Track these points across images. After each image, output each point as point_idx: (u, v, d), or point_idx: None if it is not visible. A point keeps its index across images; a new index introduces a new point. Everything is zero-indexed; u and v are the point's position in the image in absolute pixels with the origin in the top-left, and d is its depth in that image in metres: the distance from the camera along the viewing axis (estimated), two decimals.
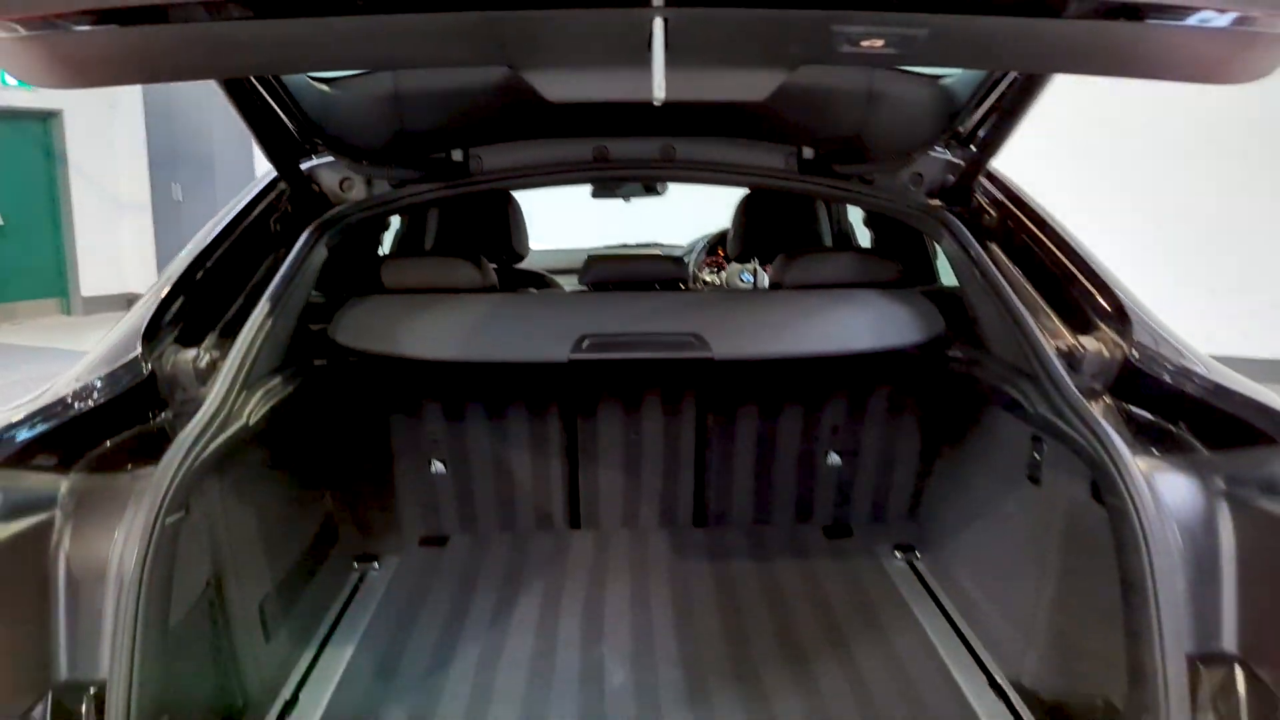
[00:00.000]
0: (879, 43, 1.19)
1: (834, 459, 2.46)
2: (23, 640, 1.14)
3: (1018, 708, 1.65)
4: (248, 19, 1.10)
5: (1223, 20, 1.10)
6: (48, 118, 11.00)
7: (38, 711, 1.14)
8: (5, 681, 1.11)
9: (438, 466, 2.43)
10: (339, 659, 1.86)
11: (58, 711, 1.14)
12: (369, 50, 1.34)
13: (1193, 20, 1.10)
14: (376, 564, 2.29)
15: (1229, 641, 1.21)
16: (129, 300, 11.66)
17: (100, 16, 1.07)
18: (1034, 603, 1.68)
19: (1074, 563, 1.59)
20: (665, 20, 1.11)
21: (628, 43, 1.17)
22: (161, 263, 11.12)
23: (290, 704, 1.69)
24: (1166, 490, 1.27)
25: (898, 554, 2.32)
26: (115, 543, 1.21)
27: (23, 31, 1.09)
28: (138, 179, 11.33)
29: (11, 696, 1.11)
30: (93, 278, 11.48)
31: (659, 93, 1.18)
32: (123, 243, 11.72)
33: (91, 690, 1.16)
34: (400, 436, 2.44)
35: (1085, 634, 1.53)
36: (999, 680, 1.74)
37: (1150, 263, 8.06)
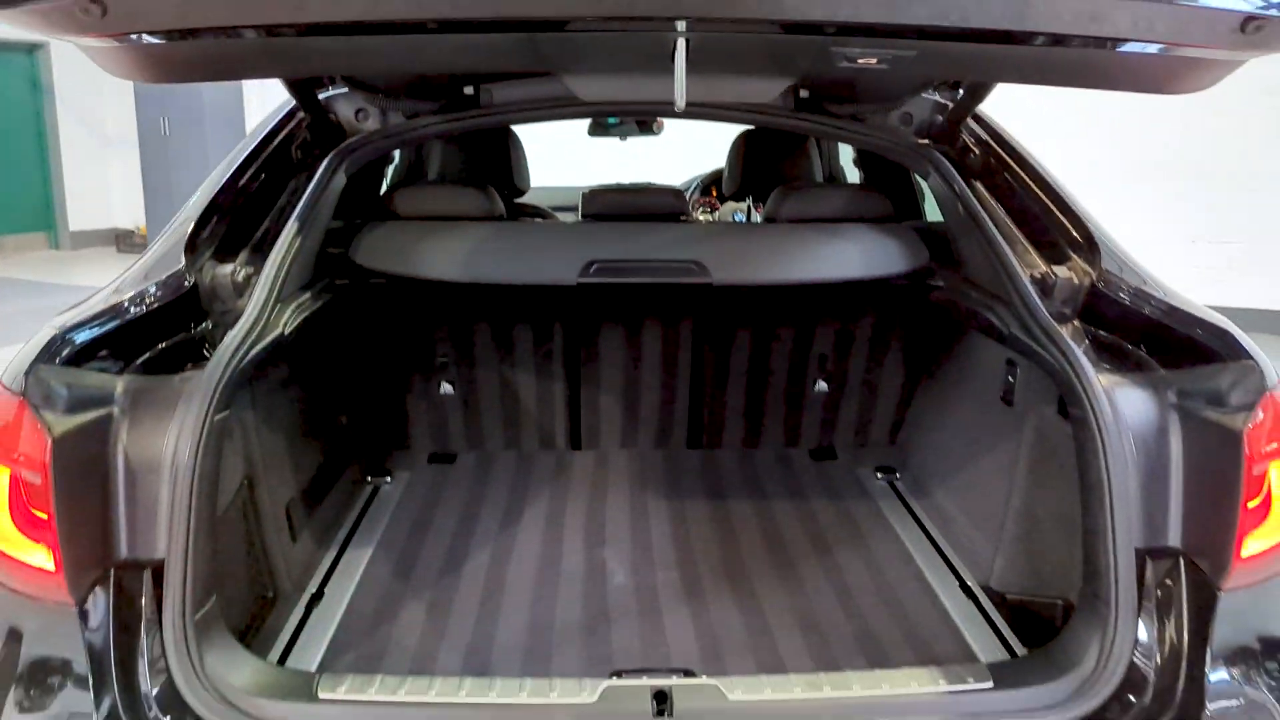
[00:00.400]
0: (873, 60, 1.34)
1: (821, 386, 2.59)
2: (87, 523, 1.26)
3: (984, 605, 1.79)
4: (329, 35, 1.21)
5: (1167, 49, 1.26)
6: (34, 49, 10.86)
7: (101, 588, 1.26)
8: (73, 560, 1.22)
9: (446, 388, 2.55)
10: (359, 560, 1.98)
11: (119, 587, 1.26)
12: (432, 60, 1.46)
13: (1141, 48, 1.25)
14: (389, 479, 2.41)
15: (1173, 537, 1.34)
16: (116, 235, 11.65)
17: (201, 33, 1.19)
18: (1002, 513, 1.82)
19: (1039, 475, 1.72)
20: (687, 41, 1.24)
21: (654, 58, 1.30)
22: (149, 198, 11.09)
23: (316, 597, 1.83)
24: (1124, 403, 1.40)
25: (879, 475, 2.46)
26: (169, 437, 1.32)
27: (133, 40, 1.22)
28: (125, 113, 11.23)
29: (78, 574, 1.23)
30: (80, 212, 11.42)
31: (680, 103, 1.32)
32: (110, 177, 11.66)
33: (149, 569, 1.28)
34: (411, 358, 2.55)
35: (1046, 538, 1.67)
36: (969, 583, 1.88)
37: (1132, 212, 8.17)
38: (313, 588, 1.85)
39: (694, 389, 2.59)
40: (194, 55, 1.37)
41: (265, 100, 11.10)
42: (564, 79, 1.57)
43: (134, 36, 1.25)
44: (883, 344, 2.56)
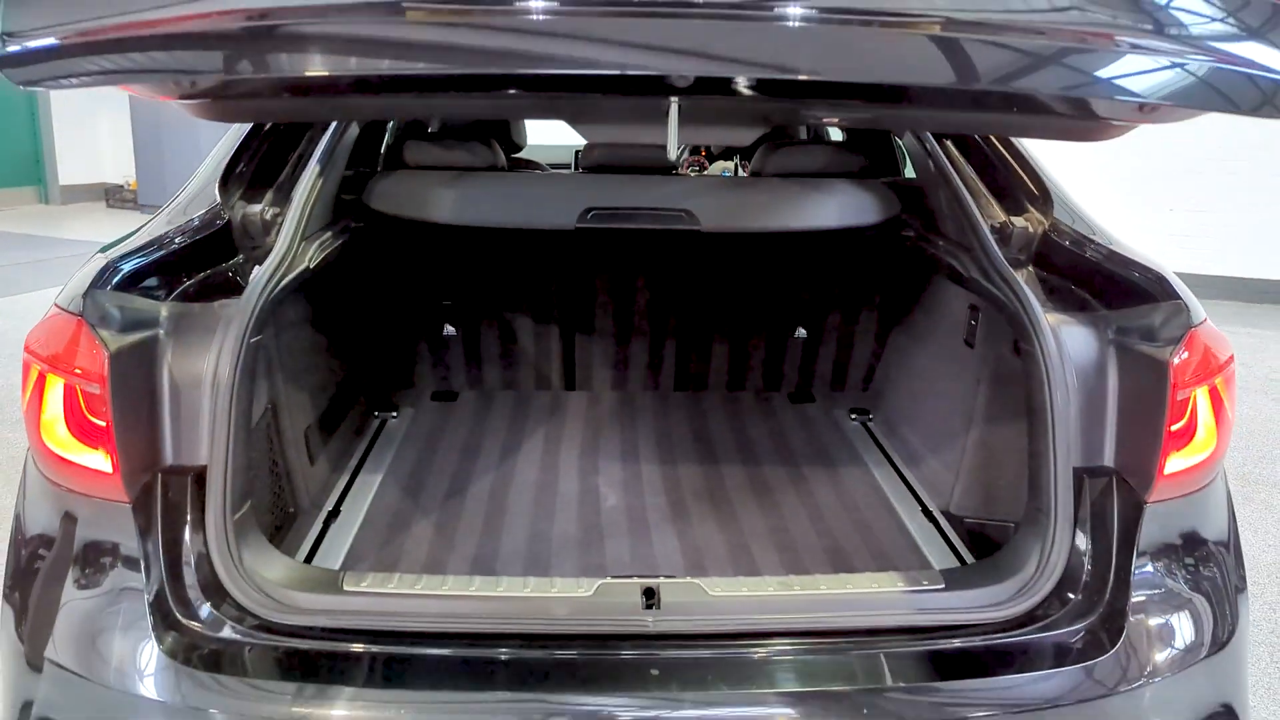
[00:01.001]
0: (835, 120, 1.53)
1: (801, 332, 2.74)
2: (138, 432, 1.40)
3: (943, 527, 1.96)
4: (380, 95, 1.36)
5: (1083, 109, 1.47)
6: None
7: (150, 489, 1.40)
8: (128, 464, 1.36)
9: (450, 329, 2.69)
10: (370, 483, 2.13)
11: (166, 489, 1.41)
12: (464, 109, 1.61)
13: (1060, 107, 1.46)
14: (395, 413, 2.55)
15: (1108, 457, 1.50)
16: (106, 190, 11.67)
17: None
18: (962, 446, 1.98)
19: (994, 410, 1.88)
20: (679, 104, 1.42)
21: (651, 115, 1.47)
22: (139, 153, 11.10)
23: (333, 514, 1.97)
24: (1068, 339, 1.55)
25: (853, 416, 2.62)
26: (210, 357, 1.45)
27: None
28: None
29: (132, 476, 1.37)
30: (70, 167, 11.42)
31: (672, 154, 1.51)
32: (100, 132, 11.65)
33: (192, 474, 1.42)
34: (418, 301, 2.68)
35: (999, 467, 1.83)
36: (930, 508, 2.05)
37: (1113, 180, 8.34)
38: (329, 506, 2.00)
39: (681, 334, 2.74)
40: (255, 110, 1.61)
41: None
42: (576, 126, 1.78)
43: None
44: (858, 294, 2.70)
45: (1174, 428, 1.41)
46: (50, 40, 1.13)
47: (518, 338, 2.72)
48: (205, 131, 10.23)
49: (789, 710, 1.28)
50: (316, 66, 1.15)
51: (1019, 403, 1.67)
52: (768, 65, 1.15)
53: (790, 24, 1.05)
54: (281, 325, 1.89)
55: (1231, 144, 7.92)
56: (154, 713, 1.27)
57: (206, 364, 1.44)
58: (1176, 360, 1.41)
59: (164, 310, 1.49)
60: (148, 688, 1.27)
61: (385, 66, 1.18)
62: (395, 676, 1.29)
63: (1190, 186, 8.06)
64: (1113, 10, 1.18)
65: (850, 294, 2.70)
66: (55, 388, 1.36)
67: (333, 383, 2.25)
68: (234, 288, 1.61)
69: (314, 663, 1.30)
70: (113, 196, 11.56)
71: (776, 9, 1.05)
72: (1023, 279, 1.70)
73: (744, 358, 2.78)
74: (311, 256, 1.88)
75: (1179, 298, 1.56)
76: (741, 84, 1.31)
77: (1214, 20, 1.19)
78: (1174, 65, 1.20)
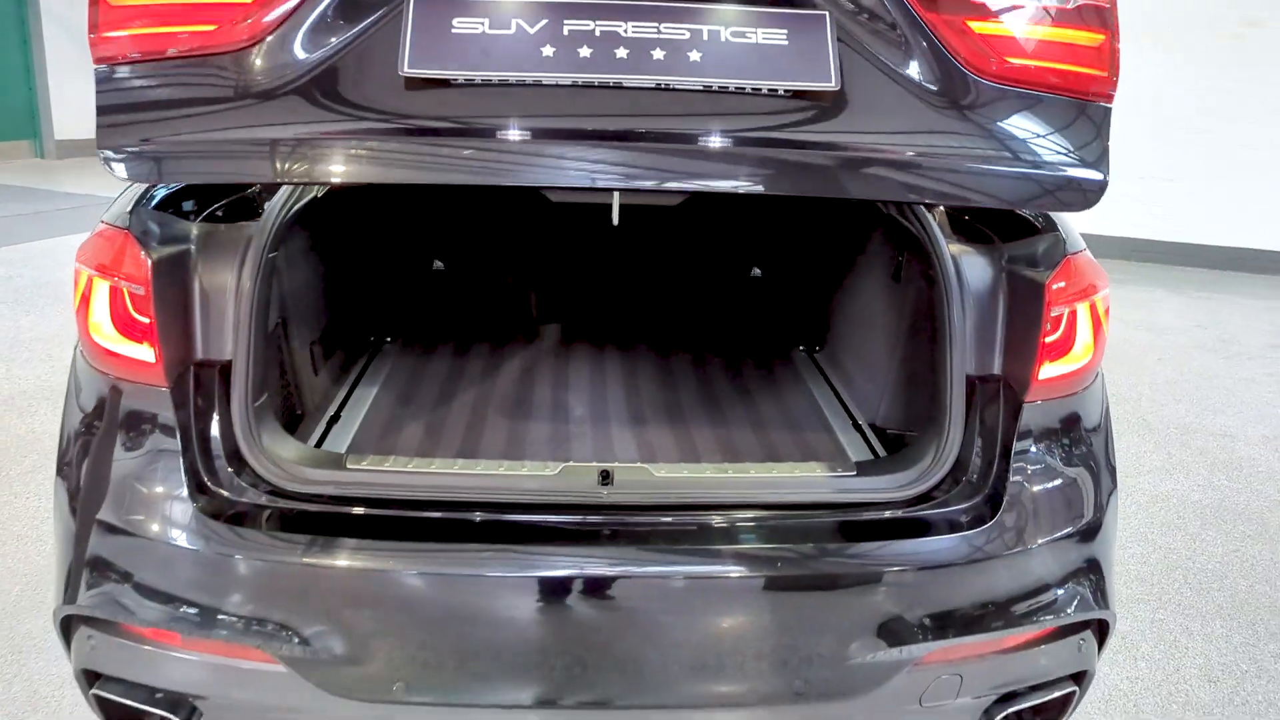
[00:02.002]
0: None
1: (756, 272, 2.98)
2: (175, 329, 1.63)
3: (869, 436, 2.22)
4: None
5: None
6: None
7: (185, 378, 1.64)
8: (168, 355, 1.60)
9: (438, 264, 2.93)
10: (368, 394, 2.38)
11: (197, 379, 1.65)
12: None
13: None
14: (389, 338, 2.80)
15: (996, 367, 1.75)
16: None
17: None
18: (887, 367, 2.24)
19: (913, 334, 2.12)
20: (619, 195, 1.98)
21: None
22: None
23: (334, 418, 2.22)
24: (967, 267, 1.79)
25: (801, 348, 2.87)
26: (234, 268, 1.69)
27: None
28: None
29: (170, 366, 1.61)
30: (66, 121, 11.56)
31: (615, 220, 2.34)
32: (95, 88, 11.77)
33: (219, 367, 1.66)
34: (408, 235, 2.91)
35: (917, 384, 2.08)
36: (860, 422, 2.31)
37: None
38: (331, 411, 2.24)
39: (648, 276, 2.98)
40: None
41: None
42: (546, 192, 2.30)
43: None
44: (808, 238, 2.94)
45: (1049, 340, 1.66)
46: (140, 149, 1.45)
47: (499, 275, 2.96)
48: None
49: (717, 566, 1.54)
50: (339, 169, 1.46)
51: (927, 326, 1.92)
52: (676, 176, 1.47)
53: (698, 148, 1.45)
54: (292, 249, 2.12)
55: (1201, 114, 8.15)
56: (188, 560, 1.53)
57: (230, 275, 1.68)
58: (1051, 283, 1.66)
59: (195, 229, 1.72)
60: (183, 540, 1.53)
61: (396, 174, 1.48)
62: (388, 533, 1.54)
63: (1161, 155, 8.29)
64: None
65: (801, 237, 2.93)
66: (101, 292, 1.60)
67: (335, 305, 2.48)
68: (254, 212, 1.84)
69: (321, 522, 1.56)
70: None
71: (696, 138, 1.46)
72: (934, 218, 1.95)
73: (705, 295, 3.02)
74: (318, 188, 2.11)
75: (1057, 229, 1.81)
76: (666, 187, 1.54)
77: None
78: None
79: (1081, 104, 1.55)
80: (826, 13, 1.47)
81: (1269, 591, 3.12)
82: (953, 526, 1.63)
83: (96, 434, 1.63)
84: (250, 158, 1.46)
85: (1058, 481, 1.69)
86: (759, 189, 1.51)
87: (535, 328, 2.98)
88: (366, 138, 1.45)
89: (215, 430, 1.63)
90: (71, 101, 11.66)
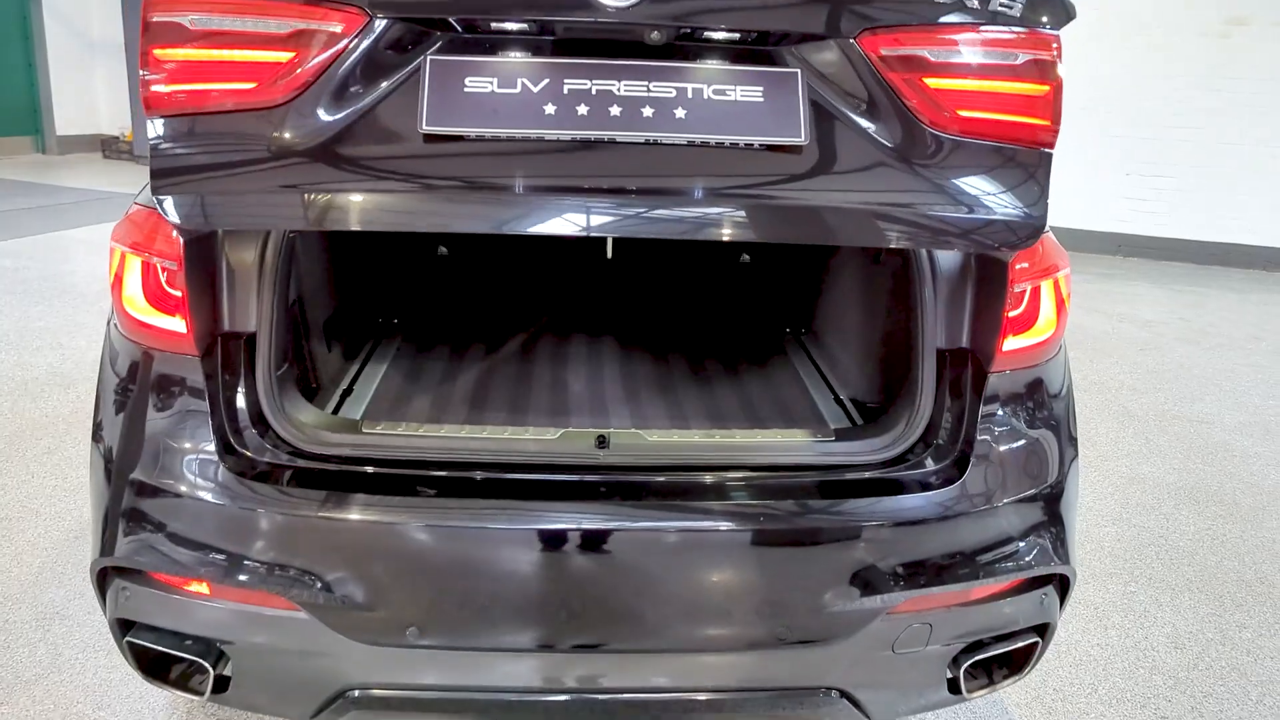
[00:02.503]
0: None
1: (745, 258, 3.11)
2: (204, 302, 1.75)
3: (849, 409, 2.35)
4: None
5: None
6: None
7: (213, 348, 1.76)
8: (198, 327, 1.72)
9: (442, 249, 3.04)
10: (377, 370, 2.50)
11: (225, 348, 1.77)
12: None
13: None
14: (395, 319, 2.92)
15: (964, 340, 1.87)
16: (102, 141, 11.93)
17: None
18: (867, 344, 2.36)
19: (891, 313, 2.25)
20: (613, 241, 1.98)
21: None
22: (135, 104, 11.35)
23: (347, 392, 2.34)
24: (938, 253, 1.92)
25: (788, 329, 3.00)
26: (258, 248, 1.81)
27: None
28: (110, 20, 11.43)
29: (200, 337, 1.73)
30: (67, 117, 11.67)
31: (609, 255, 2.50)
32: (96, 84, 11.88)
33: (244, 338, 1.78)
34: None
35: (888, 356, 2.21)
36: (841, 396, 2.43)
37: (1073, 145, 8.71)
38: (344, 385, 2.36)
39: (643, 263, 3.10)
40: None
41: None
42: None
43: None
44: None
45: (1012, 314, 1.79)
46: (187, 194, 1.56)
47: (500, 262, 3.09)
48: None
49: (706, 521, 1.67)
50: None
51: (905, 304, 2.05)
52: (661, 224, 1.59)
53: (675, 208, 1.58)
54: (310, 233, 2.24)
55: (1187, 112, 8.30)
56: (216, 514, 1.65)
57: (255, 254, 1.80)
58: (1015, 262, 1.79)
59: None
60: (212, 496, 1.65)
61: (417, 222, 1.61)
62: (401, 490, 1.67)
63: (1146, 151, 8.45)
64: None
65: None
66: (137, 268, 1.72)
67: (346, 287, 2.60)
68: None
69: (339, 480, 1.68)
70: (109, 147, 11.82)
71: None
72: None
73: (697, 281, 3.14)
74: None
75: None
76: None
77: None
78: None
79: (1026, 151, 1.66)
80: (798, 71, 1.59)
81: (1237, 567, 3.26)
82: (923, 486, 1.76)
83: (131, 400, 1.75)
84: (284, 206, 1.58)
85: (1021, 445, 1.82)
86: (735, 236, 1.64)
87: (534, 311, 3.11)
88: (390, 188, 1.57)
89: (241, 396, 1.76)
90: (72, 98, 11.77)
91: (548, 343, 2.81)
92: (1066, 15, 1.67)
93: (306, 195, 1.56)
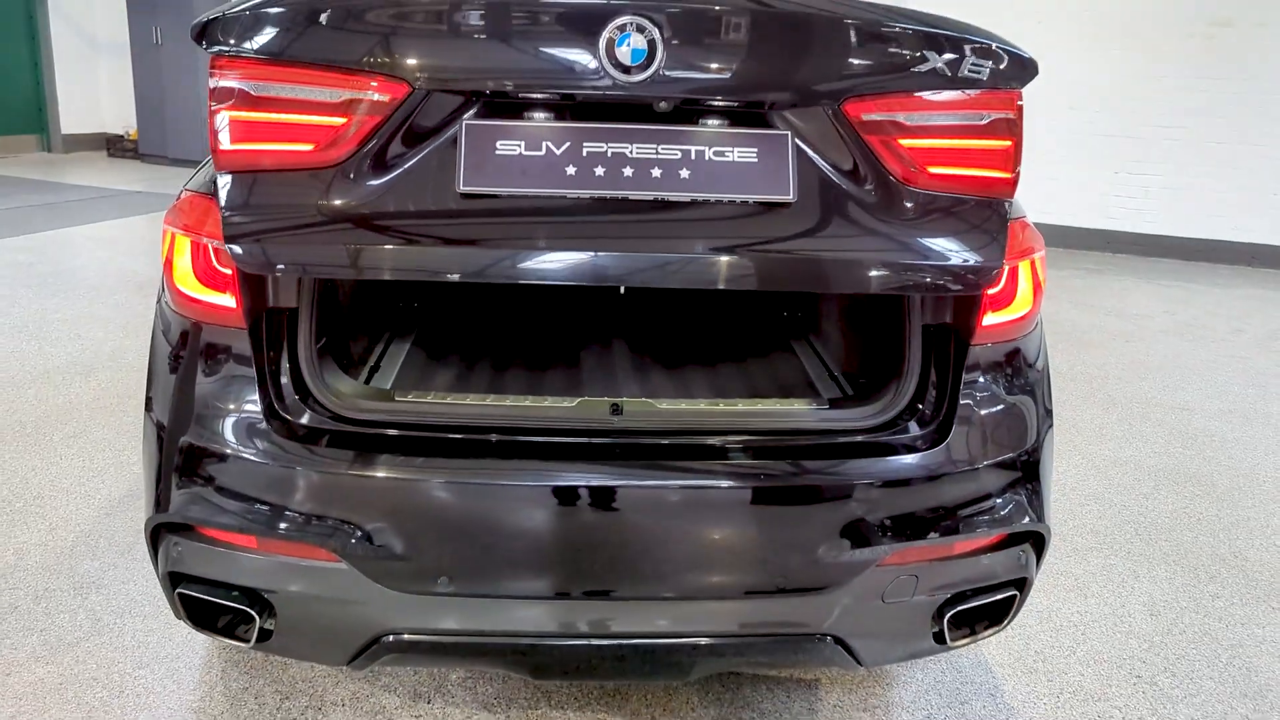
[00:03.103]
0: None
1: None
2: (251, 280, 1.89)
3: (841, 382, 2.50)
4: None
5: None
6: None
7: (259, 321, 1.91)
8: (246, 302, 1.86)
9: None
10: (401, 349, 2.65)
11: (270, 321, 1.91)
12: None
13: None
14: (416, 302, 3.07)
15: (947, 317, 2.02)
16: (107, 139, 12.07)
17: None
18: (859, 323, 2.52)
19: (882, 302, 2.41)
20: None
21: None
22: (140, 104, 11.49)
23: (374, 368, 2.50)
24: None
25: (785, 313, 3.15)
26: None
27: None
28: (115, 21, 11.57)
29: (248, 314, 1.87)
30: (72, 116, 11.81)
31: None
32: (100, 83, 12.02)
33: (287, 313, 1.93)
34: None
35: (879, 335, 2.36)
36: (834, 370, 2.59)
37: (1063, 144, 8.90)
38: (372, 363, 2.52)
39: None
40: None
41: None
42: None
43: None
44: None
45: (991, 292, 1.95)
46: (253, 241, 1.74)
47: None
48: (205, 83, 10.69)
49: (710, 480, 1.83)
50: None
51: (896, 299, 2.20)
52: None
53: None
54: None
55: (1172, 111, 8.47)
56: (262, 473, 1.80)
57: None
58: None
59: None
60: (258, 456, 1.81)
61: (454, 272, 1.77)
62: (432, 452, 1.82)
63: (1134, 150, 8.62)
64: None
65: None
66: (189, 249, 1.87)
67: (371, 279, 2.76)
68: None
69: (374, 442, 1.84)
70: (113, 146, 11.96)
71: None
72: None
73: (723, 295, 3.29)
74: None
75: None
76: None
77: None
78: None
79: (987, 201, 1.85)
80: (788, 133, 1.78)
81: (1211, 542, 3.43)
82: (910, 449, 1.92)
83: (182, 369, 1.91)
84: (338, 256, 1.76)
85: (999, 412, 1.98)
86: (732, 285, 1.81)
87: (551, 298, 3.26)
88: (430, 242, 1.76)
89: (285, 365, 1.91)
90: (77, 96, 11.90)
91: (565, 326, 2.97)
92: (1030, 74, 1.86)
93: (357, 247, 1.74)
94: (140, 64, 11.26)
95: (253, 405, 1.84)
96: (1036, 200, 8.96)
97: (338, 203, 1.73)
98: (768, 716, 2.38)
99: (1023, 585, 2.04)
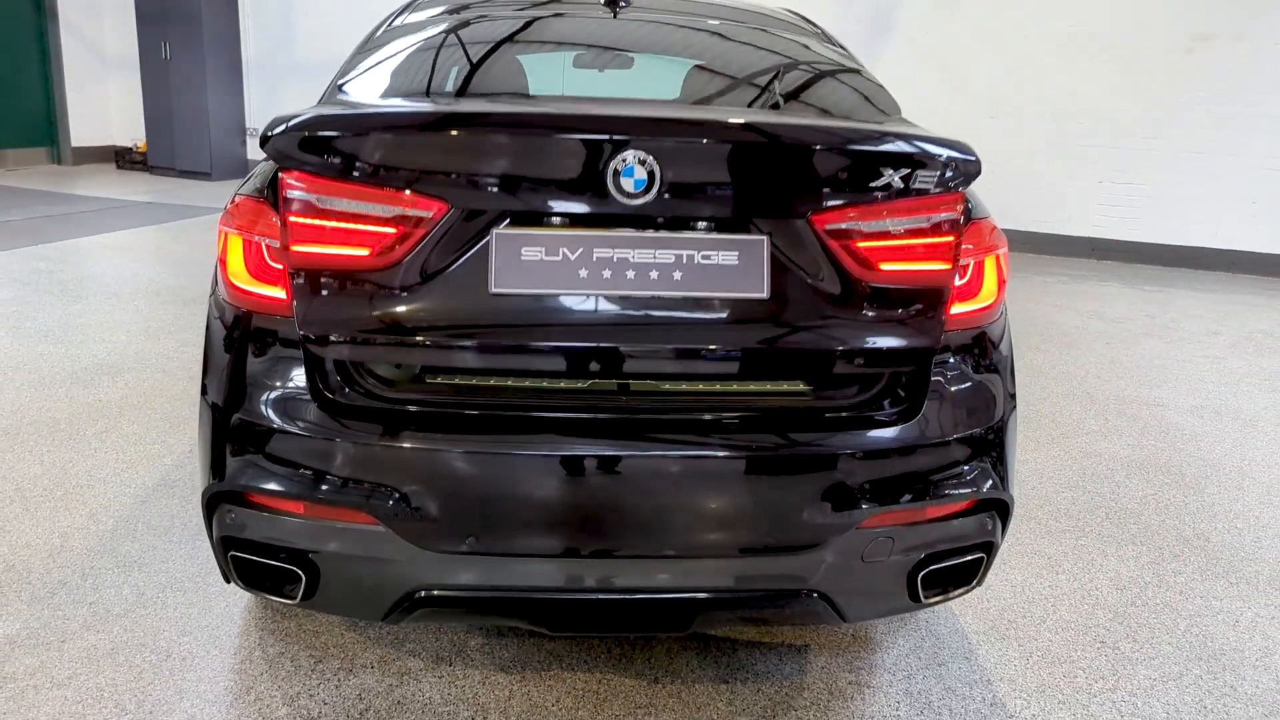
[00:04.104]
0: None
1: None
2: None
3: None
4: None
5: None
6: None
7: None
8: (296, 294, 2.09)
9: None
10: None
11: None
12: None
13: None
14: None
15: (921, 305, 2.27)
16: (116, 152, 12.31)
17: None
18: None
19: None
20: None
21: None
22: (149, 117, 11.73)
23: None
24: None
25: None
26: None
27: None
28: (124, 36, 11.82)
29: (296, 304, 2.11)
30: (81, 129, 12.05)
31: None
32: (109, 97, 12.27)
33: None
34: None
35: None
36: None
37: (1050, 154, 9.16)
38: None
39: None
40: None
41: (262, 24, 11.68)
42: None
43: None
44: None
45: (957, 283, 2.19)
46: (321, 329, 2.05)
47: None
48: (214, 98, 10.90)
49: (708, 450, 2.05)
50: None
51: None
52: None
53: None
54: None
55: (1154, 122, 8.73)
56: (308, 445, 2.01)
57: None
58: (961, 241, 2.19)
59: None
60: (305, 430, 2.03)
61: (485, 363, 2.11)
62: (458, 426, 2.05)
63: (1118, 160, 8.88)
64: None
65: None
66: (242, 247, 2.10)
67: None
68: None
69: (408, 417, 2.07)
70: (122, 158, 12.21)
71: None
72: None
73: None
74: None
75: (969, 203, 2.33)
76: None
77: None
78: None
79: (930, 288, 2.14)
80: (765, 238, 2.06)
81: (1177, 525, 3.66)
82: (889, 423, 2.15)
83: (234, 354, 2.13)
84: (390, 344, 2.05)
85: (966, 390, 2.21)
86: (714, 366, 2.12)
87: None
88: (466, 335, 2.05)
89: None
90: (86, 110, 12.15)
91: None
92: (974, 173, 2.14)
93: (403, 336, 2.04)
94: (149, 78, 11.52)
95: (300, 385, 2.07)
96: (1026, 209, 9.22)
97: (389, 300, 2.02)
98: (761, 677, 2.60)
99: (989, 549, 2.27)
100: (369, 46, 2.85)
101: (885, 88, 2.84)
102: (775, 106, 2.71)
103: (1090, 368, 5.67)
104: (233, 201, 2.20)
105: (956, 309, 2.21)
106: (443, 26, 3.02)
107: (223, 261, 2.16)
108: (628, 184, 1.96)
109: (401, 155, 2.01)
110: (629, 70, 3.14)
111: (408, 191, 1.99)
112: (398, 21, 3.04)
